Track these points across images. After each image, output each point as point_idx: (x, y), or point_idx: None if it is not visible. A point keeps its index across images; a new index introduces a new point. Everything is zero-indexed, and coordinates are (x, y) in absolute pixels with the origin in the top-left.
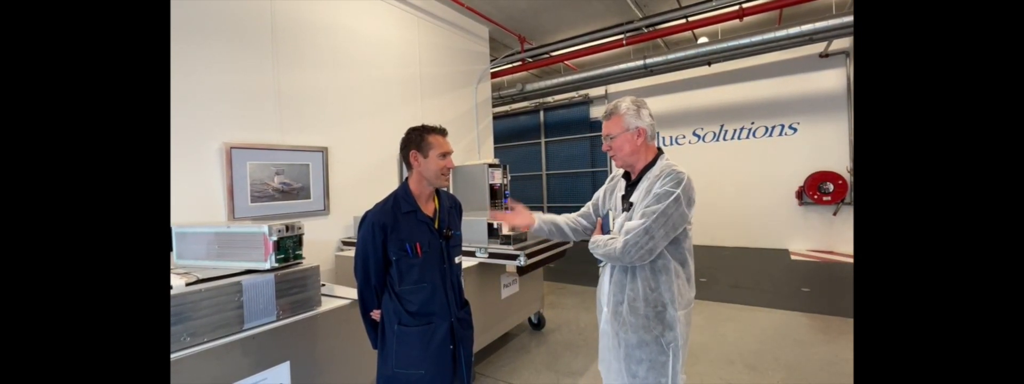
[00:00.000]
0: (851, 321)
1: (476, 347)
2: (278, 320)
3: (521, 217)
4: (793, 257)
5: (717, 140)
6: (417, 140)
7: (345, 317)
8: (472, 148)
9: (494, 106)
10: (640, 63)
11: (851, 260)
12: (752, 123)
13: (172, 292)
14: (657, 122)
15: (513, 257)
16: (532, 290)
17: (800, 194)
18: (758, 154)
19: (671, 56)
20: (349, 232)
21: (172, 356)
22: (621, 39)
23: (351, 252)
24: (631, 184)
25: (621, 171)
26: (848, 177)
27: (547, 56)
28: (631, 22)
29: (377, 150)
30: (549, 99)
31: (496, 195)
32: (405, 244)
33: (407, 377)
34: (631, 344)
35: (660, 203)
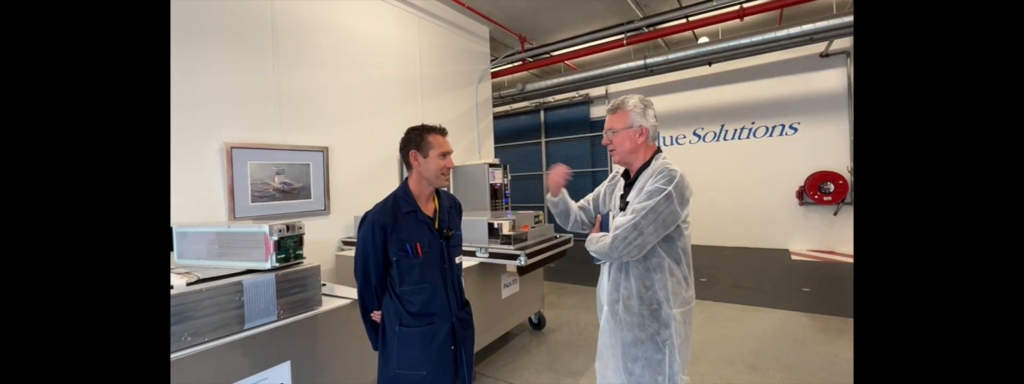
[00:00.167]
0: (851, 321)
1: (476, 347)
2: (279, 320)
3: (556, 175)
4: (793, 257)
5: (717, 140)
6: (417, 140)
7: (346, 317)
8: (472, 148)
9: (494, 106)
10: (640, 63)
11: (851, 260)
12: (753, 123)
13: (173, 292)
14: (658, 122)
15: (513, 257)
16: (532, 290)
17: (800, 194)
18: (758, 154)
19: (671, 56)
20: (349, 232)
21: (173, 356)
22: (621, 39)
23: (351, 252)
24: (629, 184)
25: (622, 170)
26: (848, 177)
27: (547, 56)
28: (631, 22)
29: (377, 150)
30: (549, 99)
31: (496, 195)
32: (405, 244)
33: (408, 378)
34: (627, 342)
35: (651, 200)
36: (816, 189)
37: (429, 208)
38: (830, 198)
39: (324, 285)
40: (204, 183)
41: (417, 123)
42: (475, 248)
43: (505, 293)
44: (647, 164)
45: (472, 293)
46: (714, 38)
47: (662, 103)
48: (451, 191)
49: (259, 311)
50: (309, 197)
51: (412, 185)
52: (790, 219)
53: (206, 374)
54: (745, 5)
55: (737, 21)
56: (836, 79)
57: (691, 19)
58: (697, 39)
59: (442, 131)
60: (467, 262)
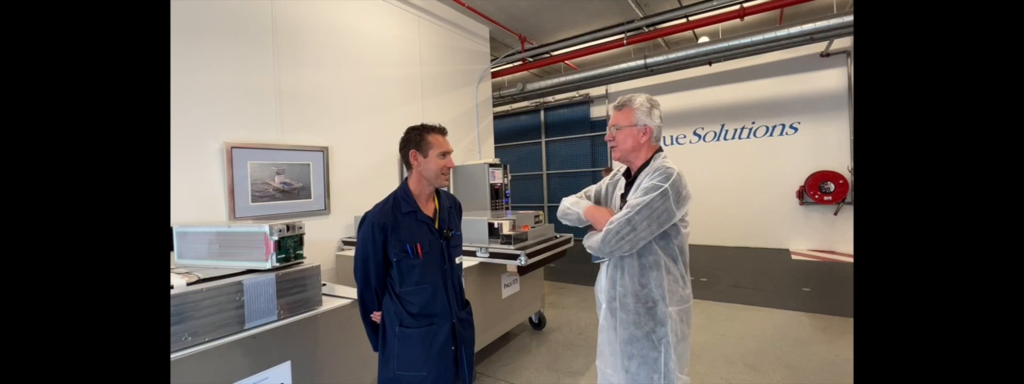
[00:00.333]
0: (851, 321)
1: (477, 347)
2: (279, 320)
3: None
4: (794, 257)
5: (718, 140)
6: (417, 139)
7: (346, 317)
8: (472, 148)
9: (494, 106)
10: (641, 62)
11: (852, 260)
12: (753, 123)
13: (173, 292)
14: (663, 122)
15: (514, 257)
16: (533, 290)
17: (801, 194)
18: (759, 154)
19: (672, 56)
20: (350, 232)
21: (173, 356)
22: (622, 38)
23: (351, 252)
24: (630, 183)
25: (623, 169)
26: (849, 177)
27: (548, 56)
28: (632, 21)
29: (377, 150)
30: (550, 99)
31: (497, 195)
32: (405, 245)
33: (409, 379)
34: (623, 340)
35: (646, 196)
36: (816, 189)
37: (429, 208)
38: (830, 198)
39: (324, 285)
40: (204, 183)
41: (417, 123)
42: (475, 248)
43: (505, 293)
44: (647, 163)
45: (472, 293)
46: (714, 38)
47: (662, 103)
48: (451, 191)
49: (259, 311)
50: (309, 197)
51: (412, 185)
52: (790, 219)
53: (206, 374)
54: (745, 5)
55: (737, 21)
56: (836, 79)
57: (691, 19)
58: (697, 39)
59: (442, 131)
60: (467, 262)
